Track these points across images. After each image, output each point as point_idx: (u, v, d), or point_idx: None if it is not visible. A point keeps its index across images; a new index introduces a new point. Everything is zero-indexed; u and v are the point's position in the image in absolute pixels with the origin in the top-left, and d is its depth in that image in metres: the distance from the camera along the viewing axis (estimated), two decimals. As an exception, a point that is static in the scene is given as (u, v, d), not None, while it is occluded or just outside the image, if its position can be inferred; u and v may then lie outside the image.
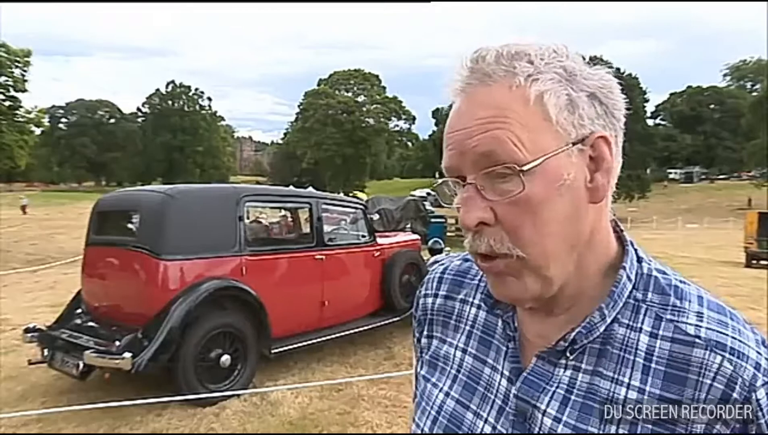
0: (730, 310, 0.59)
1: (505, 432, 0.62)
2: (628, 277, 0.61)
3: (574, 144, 0.57)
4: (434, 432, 0.68)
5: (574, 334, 0.60)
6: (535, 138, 0.55)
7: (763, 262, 13.48)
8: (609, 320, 0.60)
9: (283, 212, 6.95)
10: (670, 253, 14.37)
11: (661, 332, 0.58)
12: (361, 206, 6.49)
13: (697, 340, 0.56)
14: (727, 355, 0.55)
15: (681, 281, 0.62)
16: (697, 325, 0.57)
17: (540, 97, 0.56)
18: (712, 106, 63.73)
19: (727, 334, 0.56)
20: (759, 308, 7.33)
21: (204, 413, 4.05)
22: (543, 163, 0.55)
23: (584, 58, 0.62)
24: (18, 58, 20.76)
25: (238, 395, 4.27)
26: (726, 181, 57.44)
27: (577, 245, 0.59)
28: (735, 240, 16.38)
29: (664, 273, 0.63)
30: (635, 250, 0.64)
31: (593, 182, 0.58)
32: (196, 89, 72.01)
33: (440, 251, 6.90)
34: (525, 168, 0.55)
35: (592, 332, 0.60)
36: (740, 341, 0.56)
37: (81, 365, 4.01)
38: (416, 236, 7.69)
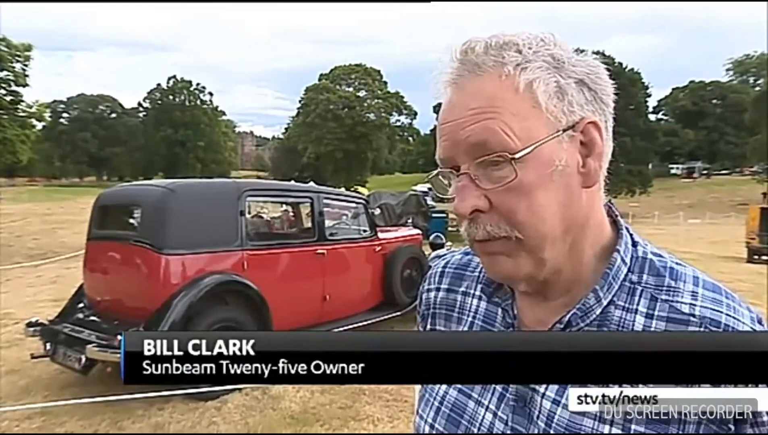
0: (725, 290, 0.60)
1: (505, 418, 0.63)
2: (623, 260, 0.62)
3: (564, 130, 0.58)
4: (438, 422, 0.69)
5: (569, 315, 0.61)
6: (526, 126, 0.57)
7: (764, 258, 13.43)
8: (605, 303, 0.61)
9: (284, 207, 6.96)
10: (672, 248, 14.30)
11: (656, 312, 0.59)
12: (363, 201, 6.50)
13: (691, 318, 0.57)
14: (721, 331, 0.56)
15: (677, 263, 0.63)
16: (691, 304, 0.58)
17: (529, 85, 0.57)
18: (714, 101, 63.39)
19: (721, 312, 0.57)
20: (760, 304, 7.33)
21: (206, 407, 4.07)
22: (535, 151, 0.56)
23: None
24: (18, 53, 20.73)
25: (240, 389, 4.29)
26: (728, 176, 57.27)
27: (572, 228, 0.60)
28: (737, 235, 16.34)
29: (660, 256, 0.64)
30: (630, 234, 0.65)
31: (585, 167, 0.60)
32: (198, 84, 71.95)
33: (441, 246, 6.90)
34: (517, 156, 0.56)
35: (588, 315, 0.61)
36: (734, 318, 0.57)
37: (83, 359, 4.03)
38: (417, 231, 7.70)
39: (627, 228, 0.66)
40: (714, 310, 0.57)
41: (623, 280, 0.62)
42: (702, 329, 0.56)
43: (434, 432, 0.69)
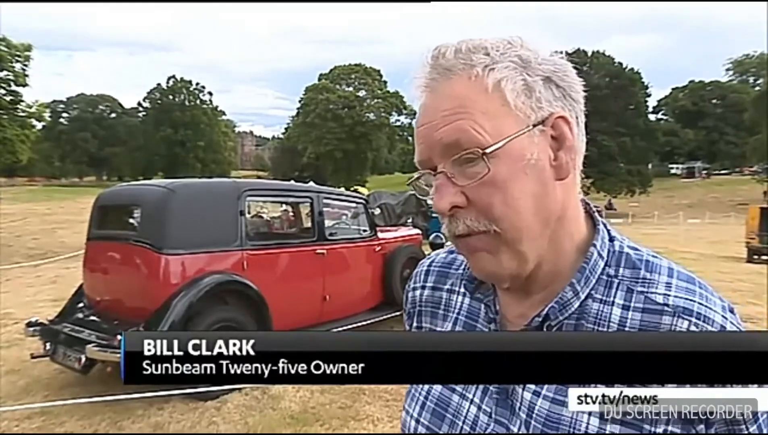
0: (699, 280, 0.62)
1: (489, 410, 0.65)
2: (600, 255, 0.64)
3: (534, 126, 0.60)
4: (423, 416, 0.71)
5: (546, 309, 0.63)
6: (496, 123, 0.59)
7: (764, 257, 13.43)
8: (583, 296, 0.62)
9: (284, 207, 6.96)
10: (672, 248, 14.34)
11: (632, 304, 0.61)
12: (363, 201, 6.50)
13: (665, 308, 0.59)
14: (693, 319, 0.58)
15: (653, 256, 0.65)
16: (665, 294, 0.60)
17: (497, 84, 0.60)
18: (714, 100, 63.35)
19: (694, 301, 0.59)
20: (760, 303, 7.34)
21: (205, 407, 4.07)
22: (505, 146, 0.59)
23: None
24: (18, 53, 20.70)
25: (240, 389, 4.30)
26: (727, 176, 57.28)
27: (548, 220, 0.62)
28: (736, 235, 16.35)
29: (636, 249, 0.66)
30: (607, 230, 0.67)
31: (557, 160, 0.62)
32: (197, 84, 71.96)
33: (441, 246, 6.89)
34: (488, 151, 0.58)
35: (566, 308, 0.63)
36: (706, 307, 0.59)
37: (83, 359, 4.02)
38: (417, 231, 7.71)
39: (604, 224, 0.67)
40: (687, 299, 0.59)
41: (600, 274, 0.63)
42: (676, 318, 0.58)
43: (420, 426, 0.71)
